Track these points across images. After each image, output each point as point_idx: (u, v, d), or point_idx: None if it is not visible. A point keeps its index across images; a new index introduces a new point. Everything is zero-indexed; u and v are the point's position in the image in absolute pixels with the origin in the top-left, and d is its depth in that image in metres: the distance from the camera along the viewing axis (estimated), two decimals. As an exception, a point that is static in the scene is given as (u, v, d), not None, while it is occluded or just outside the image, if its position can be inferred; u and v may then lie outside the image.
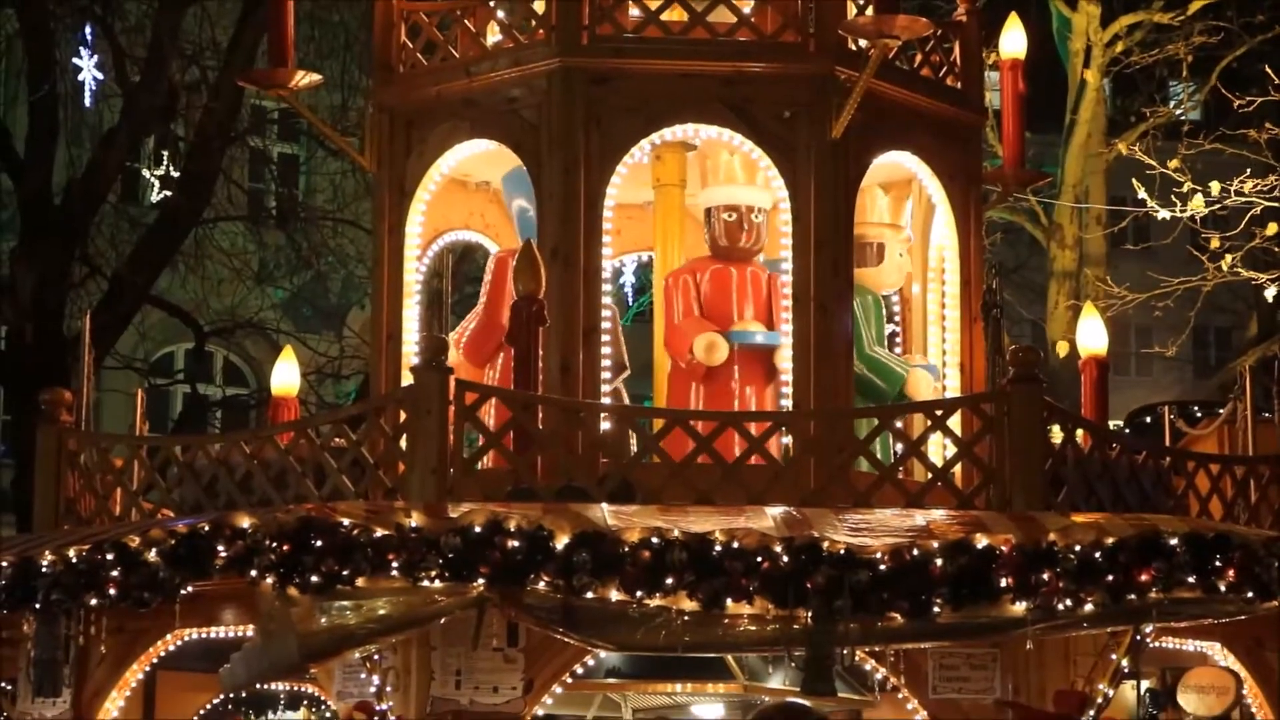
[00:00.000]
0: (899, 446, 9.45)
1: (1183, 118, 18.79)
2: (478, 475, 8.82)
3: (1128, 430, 12.76)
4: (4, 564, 8.62)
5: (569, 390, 9.35)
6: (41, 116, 18.60)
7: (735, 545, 7.54)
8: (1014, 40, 10.86)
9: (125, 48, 18.58)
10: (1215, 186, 16.63)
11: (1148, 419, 14.53)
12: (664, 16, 9.64)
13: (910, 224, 10.81)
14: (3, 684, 9.98)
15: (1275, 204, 16.63)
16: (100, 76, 17.77)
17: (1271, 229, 16.51)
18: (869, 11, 9.42)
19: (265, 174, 24.91)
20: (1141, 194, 17.37)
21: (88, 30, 17.42)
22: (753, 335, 9.92)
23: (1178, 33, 17.60)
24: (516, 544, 7.52)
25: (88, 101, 18.42)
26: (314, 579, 7.57)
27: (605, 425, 9.29)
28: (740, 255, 10.16)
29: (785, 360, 9.78)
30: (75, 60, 17.45)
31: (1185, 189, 16.61)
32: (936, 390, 10.27)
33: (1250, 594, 7.76)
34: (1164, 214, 17.16)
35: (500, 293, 10.14)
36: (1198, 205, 16.70)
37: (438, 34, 10.30)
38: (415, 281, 10.53)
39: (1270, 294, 16.61)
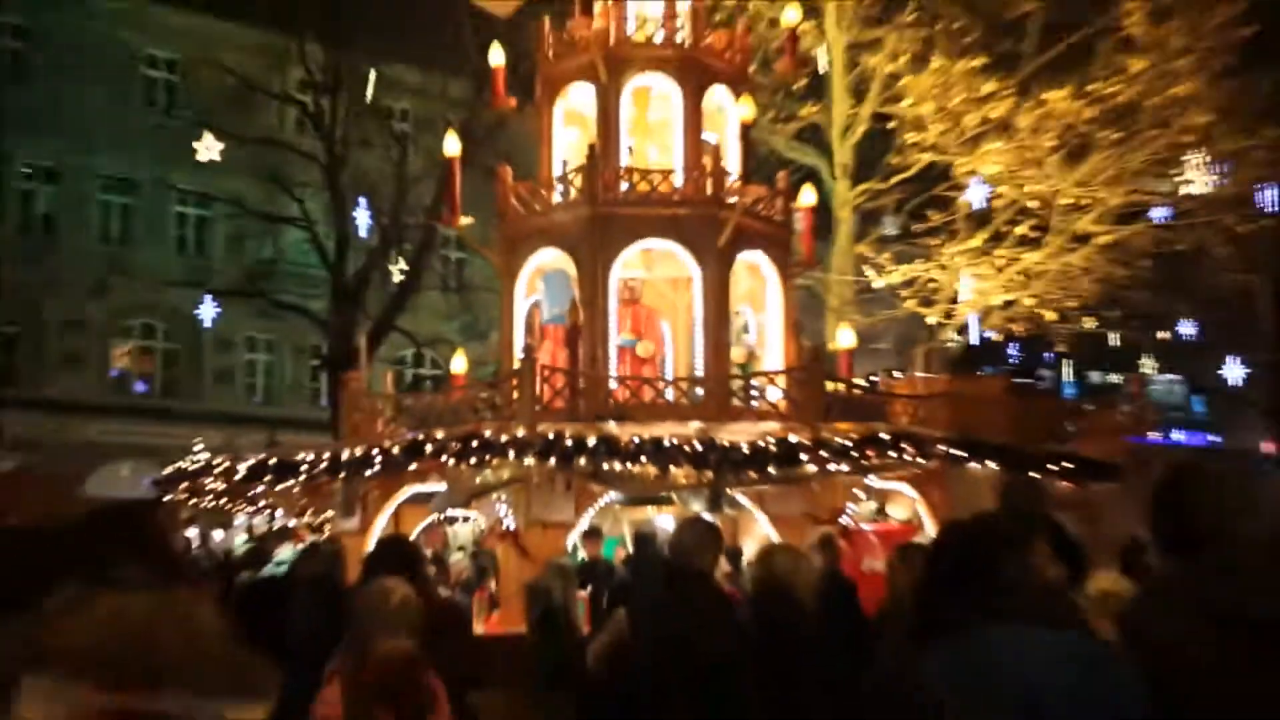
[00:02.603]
0: (771, 392, 12.97)
1: (888, 233, 22.66)
2: (548, 409, 12.12)
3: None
4: (333, 455, 12.38)
5: (594, 366, 13.14)
6: (341, 244, 25.47)
7: (675, 441, 11.04)
8: (807, 196, 14.69)
9: (382, 208, 25.33)
10: (901, 271, 20.92)
11: (873, 377, 17.21)
12: (636, 181, 13.53)
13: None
14: (322, 517, 14.15)
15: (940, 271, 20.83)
16: (369, 223, 24.05)
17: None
18: (738, 183, 13.54)
19: (448, 265, 31.93)
20: (866, 271, 21.37)
21: (363, 200, 23.58)
22: (634, 342, 13.69)
23: (885, 194, 21.57)
24: (569, 444, 10.92)
25: (364, 234, 24.72)
26: (473, 460, 11.26)
27: (613, 384, 13.12)
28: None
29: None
30: (354, 212, 23.69)
31: (887, 269, 20.82)
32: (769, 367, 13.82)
33: (919, 458, 11.59)
34: (879, 282, 21.27)
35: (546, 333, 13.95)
36: (892, 278, 20.95)
37: (528, 197, 14.09)
38: (519, 315, 14.28)
39: (931, 319, 20.87)
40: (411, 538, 11.67)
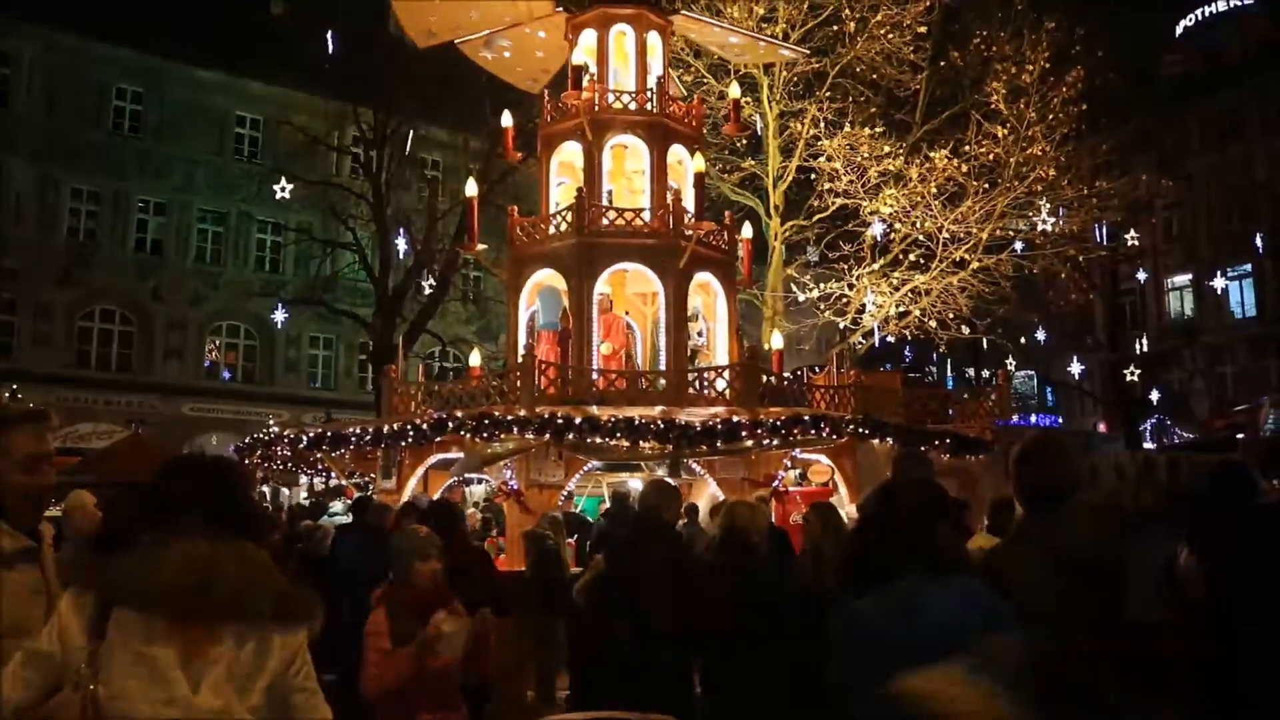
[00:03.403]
0: (719, 383, 13.07)
1: (810, 259, 22.58)
2: (544, 395, 12.12)
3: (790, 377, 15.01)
4: (376, 429, 12.41)
5: (580, 361, 13.21)
6: (385, 264, 25.55)
7: (643, 420, 11.14)
8: (747, 230, 14.70)
9: (416, 236, 25.29)
10: (820, 288, 20.96)
11: (798, 371, 16.69)
12: (614, 217, 13.59)
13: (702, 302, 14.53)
14: (367, 478, 13.88)
15: (850, 289, 20.70)
16: (406, 247, 23.91)
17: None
18: (693, 219, 13.56)
19: (467, 282, 32.03)
20: (793, 289, 21.33)
21: (402, 230, 23.61)
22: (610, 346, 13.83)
23: (807, 229, 21.37)
24: (560, 421, 11.02)
25: (402, 256, 24.68)
26: (484, 434, 11.24)
27: (595, 376, 13.02)
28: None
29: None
30: (395, 240, 23.72)
31: (810, 287, 20.90)
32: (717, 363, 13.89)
33: (833, 435, 11.71)
34: (803, 297, 21.26)
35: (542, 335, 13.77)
36: (813, 294, 21.00)
37: (530, 229, 14.10)
38: (522, 321, 14.30)
39: (843, 326, 20.95)
40: (439, 496, 12.10)
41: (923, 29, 20.94)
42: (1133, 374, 27.88)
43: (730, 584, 5.29)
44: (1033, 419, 39.24)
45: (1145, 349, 34.21)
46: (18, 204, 29.37)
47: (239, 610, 2.48)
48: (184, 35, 29.81)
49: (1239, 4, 40.37)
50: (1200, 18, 41.30)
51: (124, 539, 2.63)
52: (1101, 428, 34.96)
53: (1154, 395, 31.39)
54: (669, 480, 9.27)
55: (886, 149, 20.15)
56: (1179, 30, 41.84)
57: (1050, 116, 20.85)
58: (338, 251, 28.95)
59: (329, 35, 23.62)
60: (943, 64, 21.55)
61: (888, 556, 2.93)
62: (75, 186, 30.45)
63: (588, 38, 14.71)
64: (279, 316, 25.21)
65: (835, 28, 20.51)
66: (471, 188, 14.35)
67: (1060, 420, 40.30)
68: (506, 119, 14.53)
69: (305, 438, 13.36)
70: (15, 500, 3.07)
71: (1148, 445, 29.33)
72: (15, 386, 24.46)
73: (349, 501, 13.08)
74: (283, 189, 21.45)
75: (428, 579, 4.59)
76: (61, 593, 2.72)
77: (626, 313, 14.63)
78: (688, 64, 20.36)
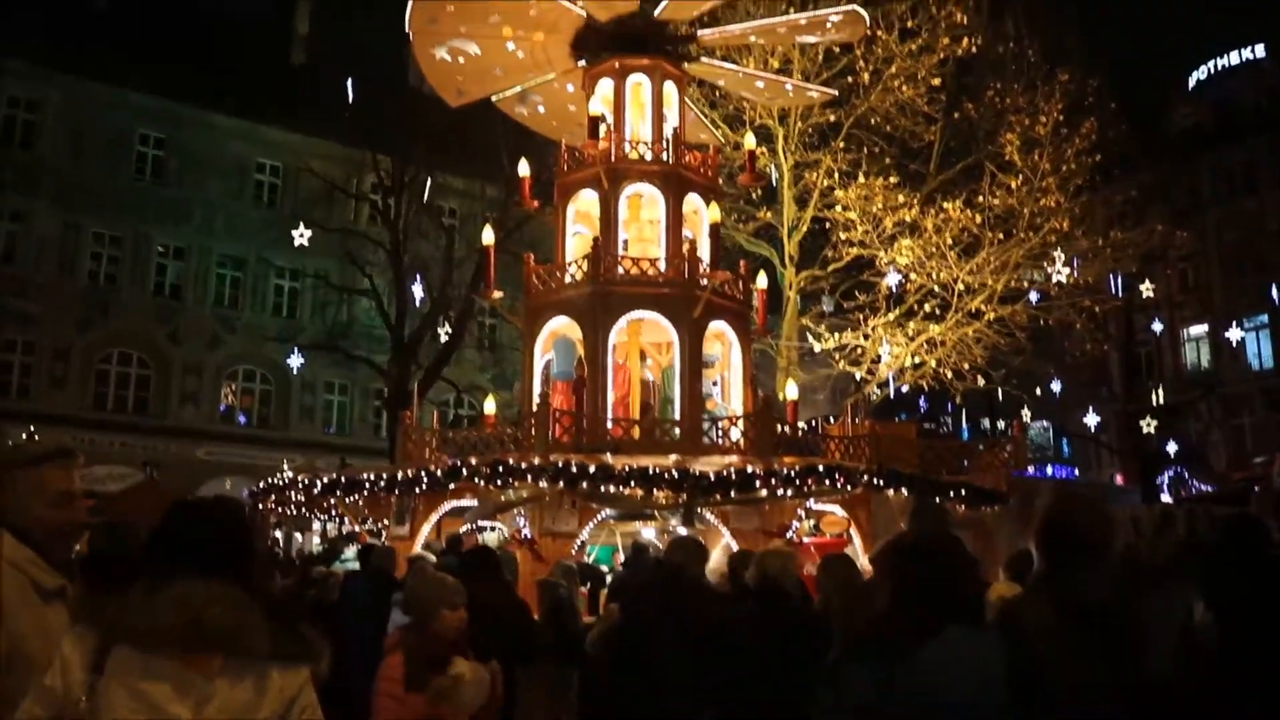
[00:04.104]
0: (733, 432, 12.90)
1: (825, 309, 22.65)
2: (558, 443, 12.01)
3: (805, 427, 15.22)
4: (390, 475, 12.23)
5: (595, 409, 13.14)
6: (401, 311, 25.72)
7: (657, 470, 10.92)
8: (762, 280, 14.60)
9: (433, 283, 25.42)
10: (835, 338, 20.84)
11: (813, 421, 17.03)
12: (629, 266, 13.55)
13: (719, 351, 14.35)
14: (380, 524, 13.62)
15: (865, 339, 20.60)
16: (422, 295, 23.93)
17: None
18: (708, 269, 13.48)
19: (483, 329, 32.23)
20: (807, 339, 21.30)
21: (419, 276, 23.65)
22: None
23: (822, 279, 21.53)
24: (574, 469, 10.78)
25: (419, 303, 24.69)
26: (499, 482, 11.00)
27: (610, 425, 13.01)
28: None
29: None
30: (412, 286, 23.67)
31: (824, 337, 20.95)
32: (731, 413, 13.73)
33: (848, 486, 11.37)
34: (818, 347, 21.03)
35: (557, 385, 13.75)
36: (828, 344, 20.69)
37: (546, 277, 14.05)
38: (537, 369, 14.23)
39: (858, 376, 20.77)
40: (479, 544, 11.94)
41: (936, 81, 21.11)
42: (1149, 425, 27.72)
43: (763, 634, 5.26)
44: (1049, 470, 38.92)
45: (1162, 400, 34.04)
46: (40, 248, 29.71)
47: (233, 646, 2.54)
48: (206, 82, 30.37)
49: (1250, 58, 40.63)
50: (1212, 71, 41.55)
51: (112, 568, 2.76)
52: (1118, 480, 34.68)
53: (1171, 447, 31.18)
54: (691, 534, 9.23)
55: (901, 200, 20.19)
56: (1191, 83, 42.09)
57: (1064, 168, 20.97)
58: (354, 298, 29.27)
59: (349, 84, 24.08)
60: (957, 116, 21.73)
61: (937, 609, 3.01)
62: (96, 230, 30.84)
63: (604, 87, 14.79)
64: (295, 362, 25.34)
65: (850, 79, 20.67)
66: (488, 235, 14.36)
67: (1076, 472, 39.99)
68: (524, 168, 14.60)
69: (319, 483, 13.30)
70: (47, 537, 3.11)
71: (1165, 498, 29.06)
72: (32, 428, 24.57)
73: (359, 547, 13.01)
74: (301, 235, 21.65)
75: (453, 628, 4.58)
76: None
77: (644, 356, 14.49)
78: (712, 104, 20.42)
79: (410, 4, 13.84)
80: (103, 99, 30.55)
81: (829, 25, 15.43)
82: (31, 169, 29.73)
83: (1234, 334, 28.82)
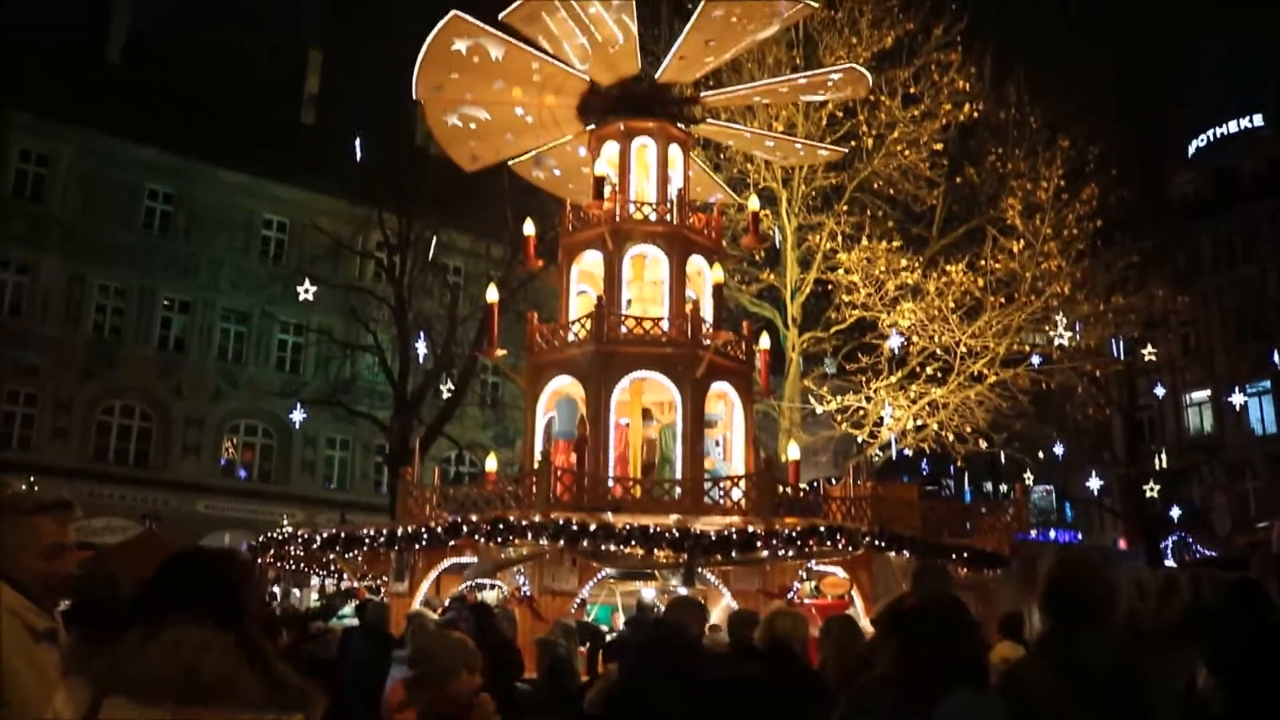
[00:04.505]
0: (734, 493, 12.79)
1: (827, 371, 22.84)
2: (559, 501, 12.06)
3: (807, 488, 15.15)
4: (390, 531, 12.32)
5: (596, 468, 13.19)
6: (404, 368, 25.78)
7: (657, 529, 10.96)
8: (765, 341, 14.60)
9: (437, 341, 25.62)
10: (837, 400, 20.83)
11: (814, 483, 16.80)
12: (632, 326, 13.67)
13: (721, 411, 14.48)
14: (379, 580, 13.65)
15: (867, 401, 20.59)
16: (426, 350, 24.08)
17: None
18: (711, 329, 13.65)
19: (485, 387, 32.50)
20: (810, 400, 21.26)
21: (422, 334, 23.84)
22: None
23: (825, 340, 21.56)
24: (575, 527, 10.84)
25: (422, 360, 24.80)
26: (498, 539, 11.06)
27: (611, 483, 12.94)
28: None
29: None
30: (416, 343, 23.83)
31: (827, 399, 20.71)
32: (732, 473, 13.70)
33: (849, 547, 11.41)
34: (820, 408, 21.09)
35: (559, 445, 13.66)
36: (830, 406, 20.79)
37: (549, 336, 14.12)
38: (539, 427, 14.19)
39: (860, 438, 20.71)
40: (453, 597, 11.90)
41: (939, 146, 21.41)
42: (1152, 489, 27.62)
43: (771, 693, 5.24)
44: (1052, 534, 38.73)
45: (1164, 465, 33.97)
46: (45, 300, 29.88)
47: (228, 696, 2.51)
48: (216, 139, 30.75)
49: (1249, 125, 41.16)
50: (1212, 138, 42.08)
51: (99, 618, 2.67)
52: (1121, 544, 34.49)
53: (1174, 511, 31.05)
54: (691, 594, 9.20)
55: (904, 263, 20.34)
56: (1191, 150, 42.57)
57: (1065, 232, 21.16)
58: (358, 353, 29.28)
59: (356, 142, 24.35)
60: (959, 180, 21.98)
61: (944, 671, 3.03)
62: (102, 283, 31.02)
63: (610, 149, 14.97)
64: (297, 416, 25.36)
65: (853, 143, 20.88)
66: (492, 294, 14.45)
67: (1079, 536, 39.79)
68: (529, 227, 14.74)
69: (319, 538, 13.27)
70: (36, 587, 3.13)
71: (1169, 562, 28.89)
72: (33, 479, 24.51)
73: (356, 603, 12.94)
74: (306, 290, 21.78)
75: (470, 691, 4.60)
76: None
77: (648, 414, 14.46)
78: (717, 167, 20.53)
79: (416, 71, 14.06)
80: (113, 153, 30.92)
81: (830, 83, 15.62)
82: (40, 221, 29.98)
83: (1236, 399, 28.88)
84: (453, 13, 13.63)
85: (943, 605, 3.36)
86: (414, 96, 14.43)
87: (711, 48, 14.23)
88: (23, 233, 29.60)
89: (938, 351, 20.74)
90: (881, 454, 21.90)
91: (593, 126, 15.12)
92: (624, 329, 13.66)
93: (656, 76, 14.80)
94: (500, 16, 13.42)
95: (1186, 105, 41.26)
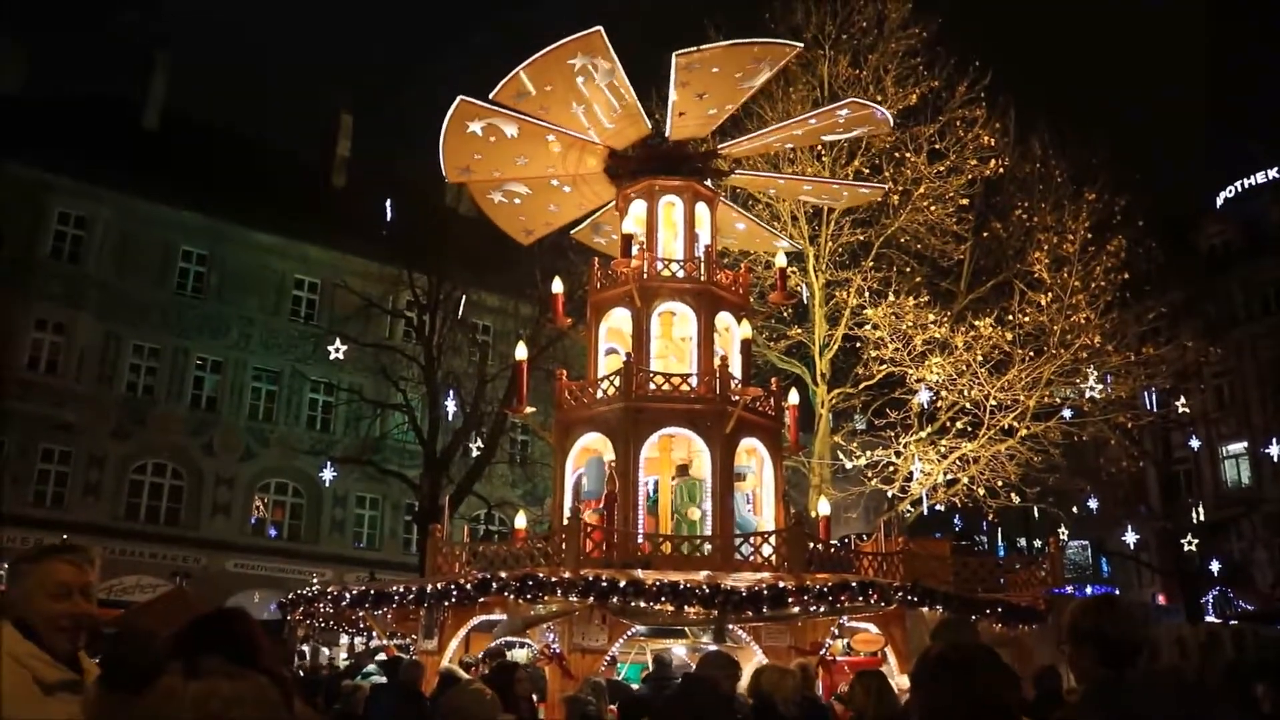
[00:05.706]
0: (765, 548, 12.73)
1: (857, 426, 22.51)
2: (589, 558, 11.86)
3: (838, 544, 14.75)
4: (419, 588, 12.11)
5: (626, 524, 13.12)
6: (434, 426, 25.75)
7: (688, 585, 10.78)
8: (793, 397, 14.69)
9: (466, 399, 25.71)
10: (867, 456, 20.73)
11: (846, 539, 16.92)
12: (660, 382, 13.56)
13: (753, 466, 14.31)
14: (408, 638, 13.48)
15: (898, 456, 20.46)
16: (455, 409, 24.11)
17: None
18: (740, 386, 13.44)
19: (515, 445, 32.58)
20: (840, 456, 21.28)
21: (452, 392, 23.88)
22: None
23: (854, 396, 21.41)
24: (605, 584, 10.73)
25: (451, 418, 24.84)
26: (527, 596, 10.92)
27: (640, 539, 12.85)
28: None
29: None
30: (445, 402, 23.84)
31: (856, 454, 20.67)
32: (762, 527, 13.72)
33: (882, 602, 11.18)
34: (850, 464, 20.96)
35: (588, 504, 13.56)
36: (860, 461, 20.65)
37: (578, 393, 14.11)
38: (568, 484, 14.14)
39: (891, 494, 20.59)
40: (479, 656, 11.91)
41: (965, 201, 21.45)
42: (1190, 543, 27.19)
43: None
44: (1088, 590, 38.08)
45: (1202, 518, 33.43)
46: (80, 359, 30.28)
47: None
48: (250, 201, 31.33)
49: (1277, 176, 41.05)
50: (1240, 189, 41.98)
51: (128, 673, 2.75)
52: (1160, 599, 33.88)
53: (1214, 565, 30.50)
54: (723, 650, 8.81)
55: (931, 317, 20.33)
56: (1219, 201, 42.47)
57: (1093, 284, 21.05)
58: (388, 412, 29.44)
59: (386, 204, 24.72)
60: (986, 234, 21.97)
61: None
62: (137, 343, 31.46)
63: (638, 208, 15.06)
64: (327, 475, 25.48)
65: (879, 199, 21.00)
66: (521, 351, 14.47)
67: (1117, 591, 39.12)
68: (557, 285, 14.81)
69: (348, 595, 13.22)
70: (47, 628, 3.13)
71: (1209, 618, 28.33)
72: (65, 536, 24.71)
73: (386, 660, 12.87)
74: (336, 350, 21.99)
75: None
76: None
77: (684, 469, 14.29)
78: (752, 209, 20.60)
79: (442, 160, 14.24)
80: (148, 216, 31.52)
81: (840, 120, 15.60)
82: (77, 282, 30.48)
83: (1274, 450, 28.42)
84: (459, 98, 13.80)
85: (968, 652, 3.31)
86: (444, 178, 14.69)
87: (706, 100, 14.19)
88: (60, 293, 30.09)
89: (967, 405, 20.63)
90: (913, 510, 21.65)
91: (621, 184, 15.27)
92: (652, 386, 13.62)
93: (668, 135, 14.91)
94: (490, 97, 13.59)
95: (1213, 159, 41.28)
